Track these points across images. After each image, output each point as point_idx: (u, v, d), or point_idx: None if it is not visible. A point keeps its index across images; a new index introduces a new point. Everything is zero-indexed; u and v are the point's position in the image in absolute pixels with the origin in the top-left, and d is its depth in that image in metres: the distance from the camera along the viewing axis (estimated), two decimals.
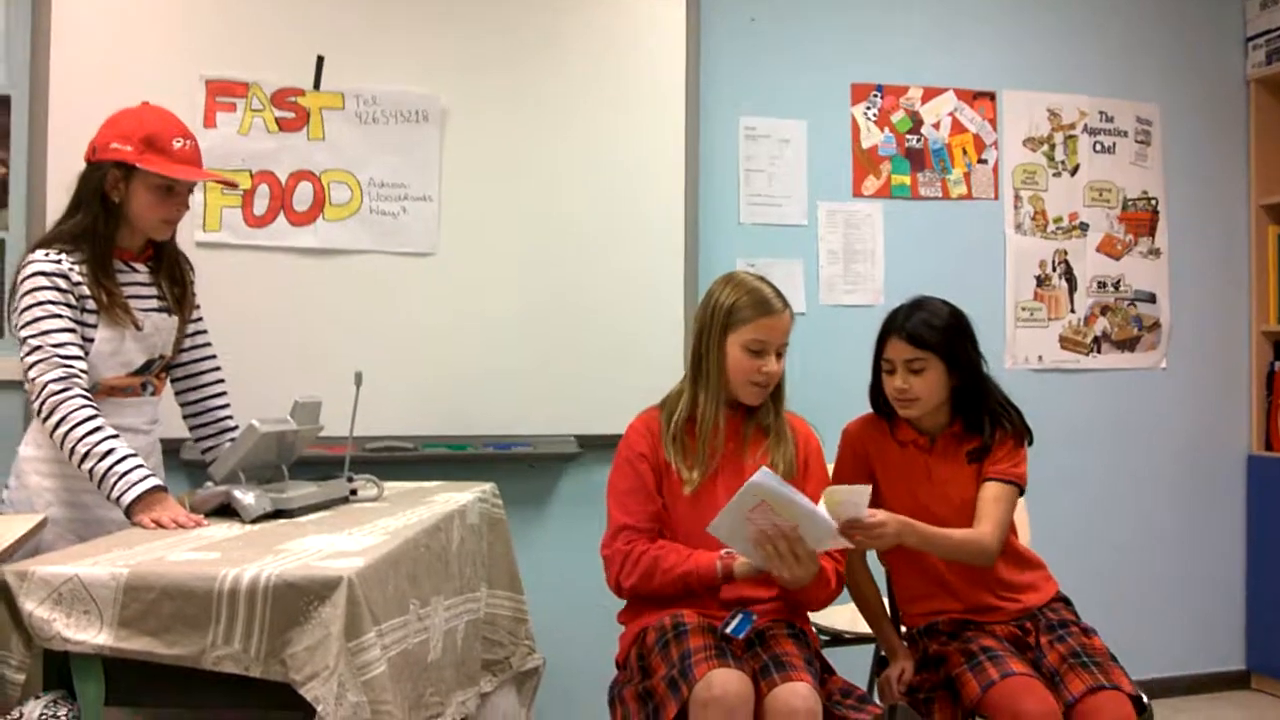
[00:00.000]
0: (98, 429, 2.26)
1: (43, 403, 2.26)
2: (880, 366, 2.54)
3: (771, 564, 2.25)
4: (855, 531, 2.23)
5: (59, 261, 2.33)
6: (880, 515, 2.25)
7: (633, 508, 2.43)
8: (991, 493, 2.47)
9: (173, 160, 2.41)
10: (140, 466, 2.26)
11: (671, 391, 2.54)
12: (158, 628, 1.71)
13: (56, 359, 2.28)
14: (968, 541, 2.42)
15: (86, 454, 2.23)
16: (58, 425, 2.25)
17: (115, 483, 2.22)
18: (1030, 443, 2.55)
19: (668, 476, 2.45)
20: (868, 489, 2.23)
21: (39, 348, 2.28)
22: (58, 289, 2.32)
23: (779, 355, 2.47)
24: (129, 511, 2.22)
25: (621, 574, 2.40)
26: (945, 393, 2.49)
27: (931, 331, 2.44)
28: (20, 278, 2.34)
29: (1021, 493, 2.52)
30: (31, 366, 2.29)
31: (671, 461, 2.45)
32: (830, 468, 2.62)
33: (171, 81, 3.20)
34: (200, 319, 2.67)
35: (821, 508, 2.20)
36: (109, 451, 2.24)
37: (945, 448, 2.53)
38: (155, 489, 2.24)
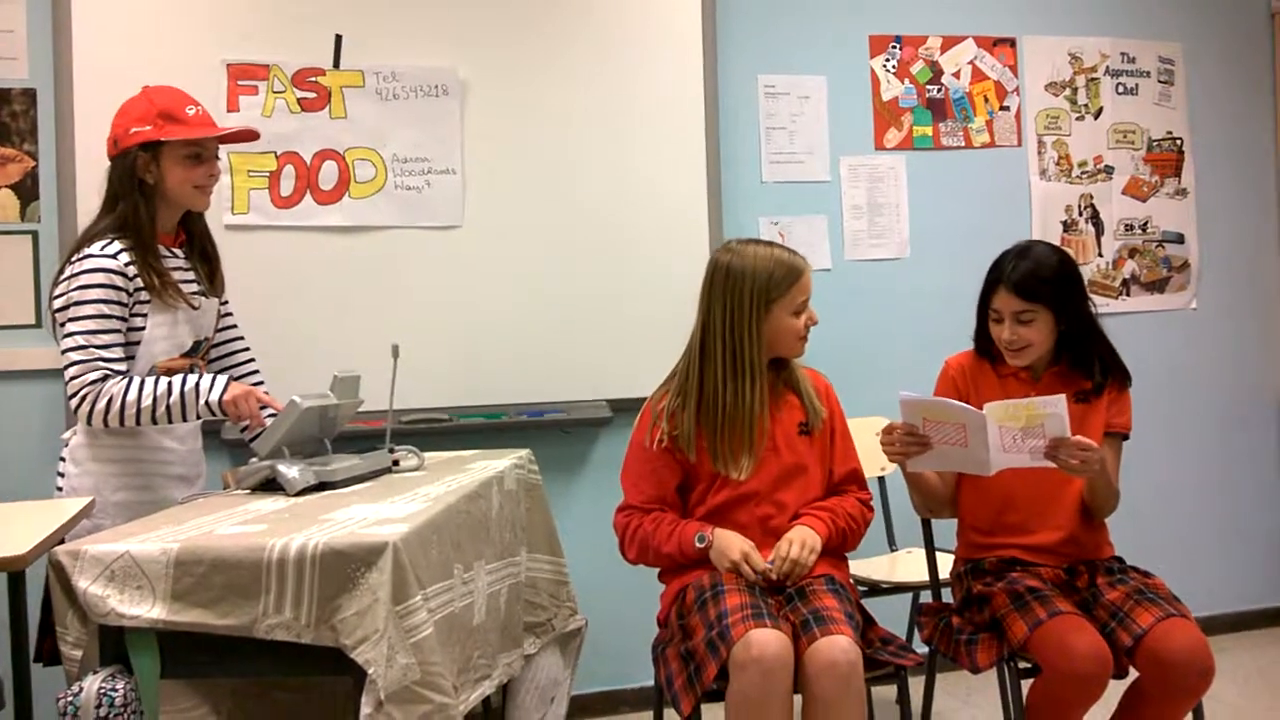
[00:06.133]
0: (142, 383, 2.34)
1: (82, 400, 2.31)
2: (986, 314, 2.54)
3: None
4: (1062, 450, 2.24)
5: (115, 256, 2.36)
6: (1089, 440, 2.27)
7: (644, 488, 2.50)
8: (1110, 452, 2.52)
9: (191, 125, 2.47)
10: (199, 378, 2.38)
11: (681, 375, 2.53)
12: (209, 600, 1.75)
13: (100, 362, 2.32)
14: (1116, 494, 2.49)
15: (153, 404, 2.33)
16: (108, 408, 2.31)
17: (194, 400, 2.36)
18: (1130, 384, 2.57)
19: (704, 463, 2.47)
20: (1062, 398, 2.22)
21: (84, 347, 2.32)
22: (113, 286, 2.35)
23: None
24: (223, 411, 2.39)
25: (624, 548, 2.52)
26: (1054, 338, 2.50)
27: (1040, 283, 2.43)
28: (74, 270, 2.36)
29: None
30: (72, 365, 2.32)
31: (711, 450, 2.46)
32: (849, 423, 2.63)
33: (192, 67, 3.22)
34: (227, 301, 2.71)
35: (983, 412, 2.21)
36: (169, 387, 2.35)
37: (1051, 385, 2.52)
38: (226, 386, 2.39)
